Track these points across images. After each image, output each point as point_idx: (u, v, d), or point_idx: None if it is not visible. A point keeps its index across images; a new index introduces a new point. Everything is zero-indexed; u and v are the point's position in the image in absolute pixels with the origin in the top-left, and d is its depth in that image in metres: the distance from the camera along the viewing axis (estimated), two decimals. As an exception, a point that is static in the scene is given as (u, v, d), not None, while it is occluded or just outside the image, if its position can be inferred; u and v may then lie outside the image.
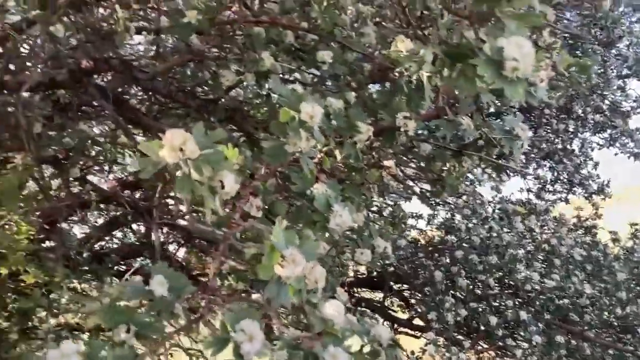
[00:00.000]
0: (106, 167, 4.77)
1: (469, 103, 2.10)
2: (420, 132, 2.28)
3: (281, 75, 2.90)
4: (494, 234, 4.94)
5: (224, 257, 1.46)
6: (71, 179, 4.03)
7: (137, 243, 6.28)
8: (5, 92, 3.35)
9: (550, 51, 2.32)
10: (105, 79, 3.11)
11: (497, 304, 5.23)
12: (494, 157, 2.25)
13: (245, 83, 2.44)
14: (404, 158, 2.31)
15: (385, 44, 2.38)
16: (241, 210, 1.74)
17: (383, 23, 2.62)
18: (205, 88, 2.67)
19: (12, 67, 3.48)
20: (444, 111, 2.01)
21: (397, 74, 1.94)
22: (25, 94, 3.22)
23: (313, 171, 1.89)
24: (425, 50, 1.63)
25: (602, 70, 5.69)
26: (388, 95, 2.07)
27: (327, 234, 1.81)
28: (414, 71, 1.69)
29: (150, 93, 2.86)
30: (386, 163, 2.26)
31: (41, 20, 2.47)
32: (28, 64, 3.42)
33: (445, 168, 2.36)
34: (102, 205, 5.50)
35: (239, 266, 1.75)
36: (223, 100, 2.50)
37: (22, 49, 3.42)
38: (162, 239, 5.72)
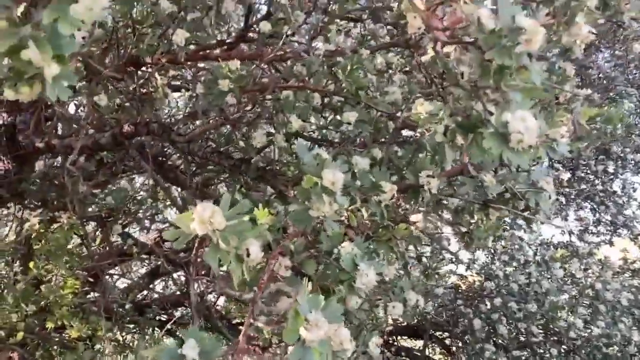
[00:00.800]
0: (147, 222, 4.94)
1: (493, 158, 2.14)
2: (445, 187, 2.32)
3: (310, 133, 3.02)
4: (533, 280, 4.85)
5: (253, 319, 1.52)
6: (113, 234, 4.21)
7: (178, 293, 6.41)
8: (53, 155, 3.57)
9: (572, 104, 2.35)
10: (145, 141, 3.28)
11: (541, 352, 5.09)
12: (521, 209, 2.27)
13: (275, 143, 2.55)
14: (433, 213, 2.34)
15: (409, 102, 2.47)
16: (270, 271, 1.81)
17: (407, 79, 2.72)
18: (238, 148, 2.80)
19: (59, 131, 3.72)
20: (467, 168, 2.06)
21: (419, 133, 2.01)
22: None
23: (340, 231, 1.96)
24: (445, 112, 1.70)
25: (637, 111, 5.63)
26: (411, 153, 2.14)
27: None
28: (433, 133, 1.76)
29: (186, 154, 3.00)
30: (413, 218, 2.30)
31: (86, 92, 2.66)
32: (75, 126, 3.64)
33: (473, 221, 2.38)
34: (143, 256, 5.66)
35: (269, 325, 1.81)
36: (255, 159, 2.61)
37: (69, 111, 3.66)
38: (202, 289, 5.81)
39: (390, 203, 2.03)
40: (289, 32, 2.97)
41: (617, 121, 2.34)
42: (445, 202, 2.61)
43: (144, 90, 3.07)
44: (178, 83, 4.23)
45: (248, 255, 1.32)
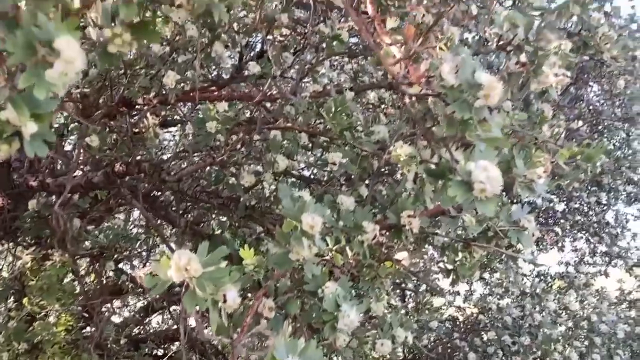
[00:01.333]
0: (140, 257, 4.96)
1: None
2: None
3: (299, 171, 3.07)
4: (527, 313, 4.84)
5: (234, 363, 1.54)
6: (107, 271, 4.22)
7: (174, 327, 6.36)
8: (47, 194, 3.61)
9: (553, 143, 2.40)
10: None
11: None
12: (505, 246, 2.30)
13: (264, 182, 2.59)
14: (418, 250, 2.37)
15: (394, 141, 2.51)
16: (254, 312, 1.83)
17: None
18: (227, 187, 2.84)
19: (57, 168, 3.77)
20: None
21: (400, 174, 2.06)
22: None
23: (324, 271, 1.98)
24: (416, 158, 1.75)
25: (625, 143, 5.71)
26: (394, 193, 2.18)
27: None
28: (412, 175, 1.80)
29: (177, 193, 3.05)
30: (398, 255, 2.33)
31: (79, 134, 2.72)
32: (69, 165, 3.69)
33: (458, 259, 2.41)
34: (139, 290, 5.65)
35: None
36: (243, 198, 2.65)
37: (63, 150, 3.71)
38: (198, 321, 5.77)
39: (373, 242, 2.06)
40: (278, 73, 3.04)
41: (596, 159, 2.39)
42: (430, 239, 2.65)
43: (136, 130, 3.13)
44: (173, 118, 4.31)
45: (225, 301, 1.34)
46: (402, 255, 2.36)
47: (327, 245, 1.98)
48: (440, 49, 1.89)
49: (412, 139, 2.22)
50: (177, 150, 3.11)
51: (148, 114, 2.98)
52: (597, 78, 5.44)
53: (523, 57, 1.60)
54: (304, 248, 1.56)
